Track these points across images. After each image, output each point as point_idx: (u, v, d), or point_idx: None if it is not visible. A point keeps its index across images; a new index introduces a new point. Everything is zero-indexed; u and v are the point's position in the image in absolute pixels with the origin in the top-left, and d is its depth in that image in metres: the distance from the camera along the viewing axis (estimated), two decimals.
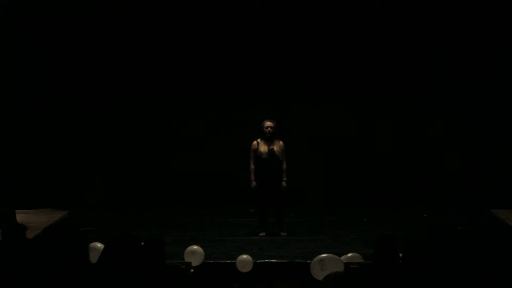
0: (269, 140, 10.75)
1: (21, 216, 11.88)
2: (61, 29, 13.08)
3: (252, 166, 10.80)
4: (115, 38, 13.21)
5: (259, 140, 10.80)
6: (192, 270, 7.68)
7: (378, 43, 13.20)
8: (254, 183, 10.79)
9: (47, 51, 13.10)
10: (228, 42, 13.27)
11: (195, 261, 8.82)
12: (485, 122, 13.15)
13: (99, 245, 8.01)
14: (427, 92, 13.25)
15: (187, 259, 8.80)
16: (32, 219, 12.02)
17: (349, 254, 8.31)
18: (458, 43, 13.13)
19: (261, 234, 10.98)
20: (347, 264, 7.56)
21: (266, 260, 9.50)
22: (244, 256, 9.10)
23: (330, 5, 13.20)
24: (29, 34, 12.95)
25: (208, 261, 9.25)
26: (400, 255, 5.85)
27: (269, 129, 10.71)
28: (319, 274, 7.98)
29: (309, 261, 8.46)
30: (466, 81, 13.14)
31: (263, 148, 10.74)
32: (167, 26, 13.22)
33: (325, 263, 8.08)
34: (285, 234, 10.95)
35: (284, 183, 10.77)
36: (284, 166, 10.77)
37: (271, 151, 10.73)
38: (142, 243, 5.94)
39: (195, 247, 9.16)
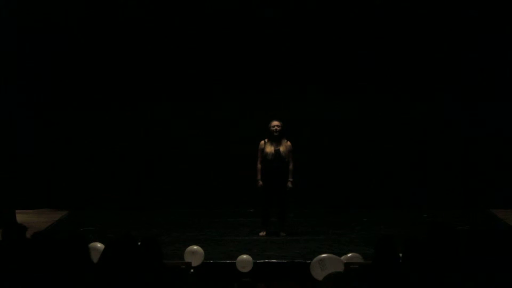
0: (276, 140, 10.75)
1: (21, 216, 11.89)
2: (61, 32, 13.07)
3: (259, 166, 10.81)
4: (115, 39, 13.20)
5: (266, 140, 10.81)
6: (192, 270, 7.68)
7: (378, 43, 13.19)
8: (260, 182, 10.80)
9: (48, 51, 13.08)
10: (228, 41, 13.26)
11: (195, 261, 8.82)
12: (485, 122, 13.15)
13: (99, 245, 8.01)
14: (427, 92, 13.25)
15: (187, 259, 8.80)
16: (32, 219, 12.03)
17: (349, 254, 8.31)
18: (459, 43, 13.13)
19: (261, 233, 10.98)
20: (347, 264, 7.56)
21: (266, 260, 9.51)
22: (244, 256, 9.10)
23: (329, 4, 13.20)
24: (30, 35, 12.94)
25: (208, 261, 9.25)
26: (400, 255, 5.85)
27: (275, 127, 10.71)
28: (319, 274, 7.98)
29: (309, 261, 8.46)
30: (466, 81, 13.14)
31: (270, 148, 10.74)
32: (165, 26, 13.20)
33: (325, 263, 8.08)
34: (285, 234, 10.95)
35: (289, 184, 10.78)
36: (291, 166, 10.78)
37: (277, 152, 10.73)
38: (139, 243, 5.95)
39: (195, 247, 9.16)
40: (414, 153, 13.35)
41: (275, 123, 10.77)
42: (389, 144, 13.30)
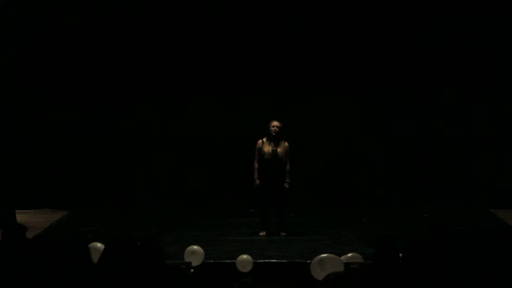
0: (274, 141, 10.75)
1: (21, 216, 11.89)
2: (61, 32, 13.07)
3: (256, 165, 10.81)
4: (114, 40, 13.20)
5: (264, 139, 10.80)
6: (192, 270, 7.68)
7: (378, 43, 13.19)
8: (258, 181, 10.80)
9: (48, 51, 13.09)
10: (228, 41, 13.26)
11: (195, 261, 8.81)
12: (485, 122, 13.15)
13: (99, 245, 8.01)
14: (427, 92, 13.25)
15: (187, 259, 8.80)
16: (32, 219, 12.03)
17: (349, 254, 8.30)
18: (459, 43, 13.13)
19: (261, 233, 10.99)
20: (347, 264, 7.56)
21: (266, 260, 9.51)
22: (244, 256, 9.09)
23: (329, 4, 13.20)
24: (30, 35, 12.94)
25: (208, 261, 9.25)
26: (400, 255, 5.85)
27: (275, 128, 10.70)
28: (319, 274, 7.98)
29: (309, 261, 8.46)
30: (466, 81, 13.15)
31: (267, 148, 10.74)
32: (165, 27, 13.20)
33: (325, 263, 8.08)
34: (285, 234, 10.95)
35: (286, 185, 10.78)
36: (288, 167, 10.77)
37: (274, 152, 10.72)
38: (138, 243, 5.94)
39: (195, 247, 9.16)
40: (414, 153, 13.35)
41: (275, 123, 10.76)
42: (389, 144, 13.30)
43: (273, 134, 10.71)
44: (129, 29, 13.19)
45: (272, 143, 10.76)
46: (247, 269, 9.03)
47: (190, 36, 13.24)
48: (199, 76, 13.29)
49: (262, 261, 9.44)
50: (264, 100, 13.14)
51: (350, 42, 13.21)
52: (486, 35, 13.05)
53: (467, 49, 13.12)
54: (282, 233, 10.95)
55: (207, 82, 13.28)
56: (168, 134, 13.42)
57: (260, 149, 10.79)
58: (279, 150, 10.74)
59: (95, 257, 5.94)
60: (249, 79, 13.23)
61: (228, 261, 9.35)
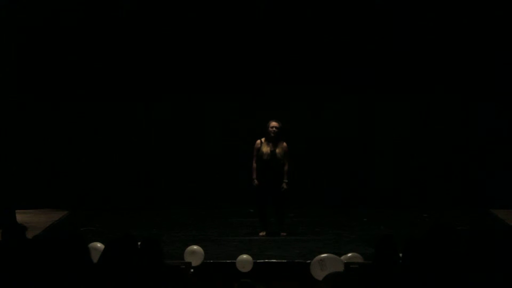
0: (272, 141, 10.72)
1: (21, 216, 11.88)
2: (61, 32, 13.07)
3: (254, 165, 10.80)
4: (114, 39, 13.19)
5: (263, 139, 10.78)
6: (192, 270, 7.68)
7: (378, 43, 13.19)
8: (256, 181, 10.79)
9: (47, 51, 13.09)
10: (228, 41, 13.26)
11: (195, 261, 8.82)
12: (486, 121, 13.15)
13: (99, 245, 8.02)
14: (427, 92, 13.25)
15: (187, 259, 8.80)
16: (32, 219, 12.02)
17: (349, 254, 8.31)
18: (460, 43, 13.12)
19: (261, 233, 10.98)
20: (347, 264, 7.56)
21: (266, 260, 9.51)
22: (244, 256, 9.10)
23: (329, 4, 13.20)
24: (30, 35, 12.94)
25: (208, 261, 9.25)
26: (400, 255, 5.85)
27: (274, 129, 10.68)
28: (319, 274, 7.98)
29: (309, 261, 8.46)
30: (466, 81, 13.14)
31: (265, 148, 10.72)
32: (167, 26, 13.20)
33: (325, 263, 8.08)
34: (285, 234, 10.95)
35: (284, 185, 10.76)
36: (286, 168, 10.75)
37: (272, 153, 10.70)
38: (139, 243, 5.95)
39: (195, 247, 9.16)
40: (414, 153, 13.34)
41: (274, 124, 10.72)
42: (389, 144, 13.30)
43: (272, 134, 10.70)
44: (128, 29, 13.18)
45: (270, 144, 10.74)
46: (247, 269, 9.03)
47: (190, 36, 13.23)
48: (199, 76, 13.28)
49: (262, 261, 9.44)
50: (264, 100, 13.13)
51: (350, 43, 13.19)
52: (486, 35, 13.05)
53: (467, 50, 13.11)
54: (282, 233, 10.95)
55: (206, 82, 13.26)
56: (168, 133, 13.40)
57: (259, 149, 10.77)
58: (277, 150, 10.72)
59: (95, 257, 5.95)
60: (249, 79, 13.22)
61: (228, 261, 9.35)
